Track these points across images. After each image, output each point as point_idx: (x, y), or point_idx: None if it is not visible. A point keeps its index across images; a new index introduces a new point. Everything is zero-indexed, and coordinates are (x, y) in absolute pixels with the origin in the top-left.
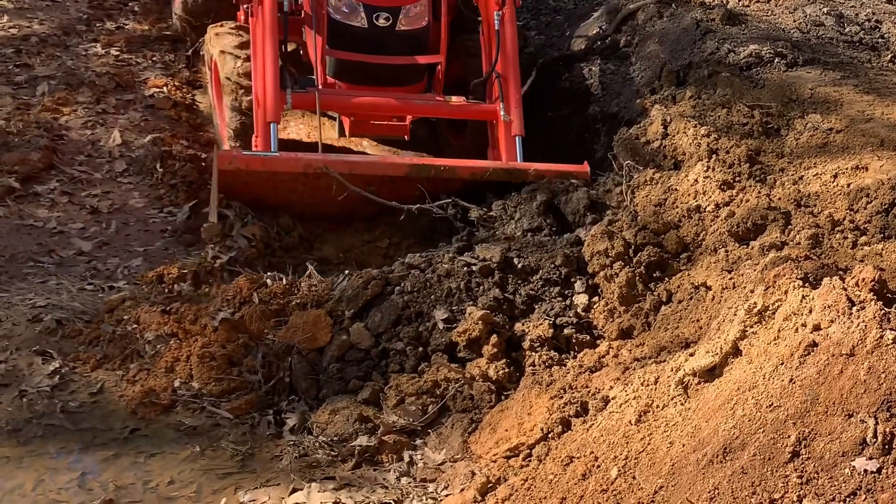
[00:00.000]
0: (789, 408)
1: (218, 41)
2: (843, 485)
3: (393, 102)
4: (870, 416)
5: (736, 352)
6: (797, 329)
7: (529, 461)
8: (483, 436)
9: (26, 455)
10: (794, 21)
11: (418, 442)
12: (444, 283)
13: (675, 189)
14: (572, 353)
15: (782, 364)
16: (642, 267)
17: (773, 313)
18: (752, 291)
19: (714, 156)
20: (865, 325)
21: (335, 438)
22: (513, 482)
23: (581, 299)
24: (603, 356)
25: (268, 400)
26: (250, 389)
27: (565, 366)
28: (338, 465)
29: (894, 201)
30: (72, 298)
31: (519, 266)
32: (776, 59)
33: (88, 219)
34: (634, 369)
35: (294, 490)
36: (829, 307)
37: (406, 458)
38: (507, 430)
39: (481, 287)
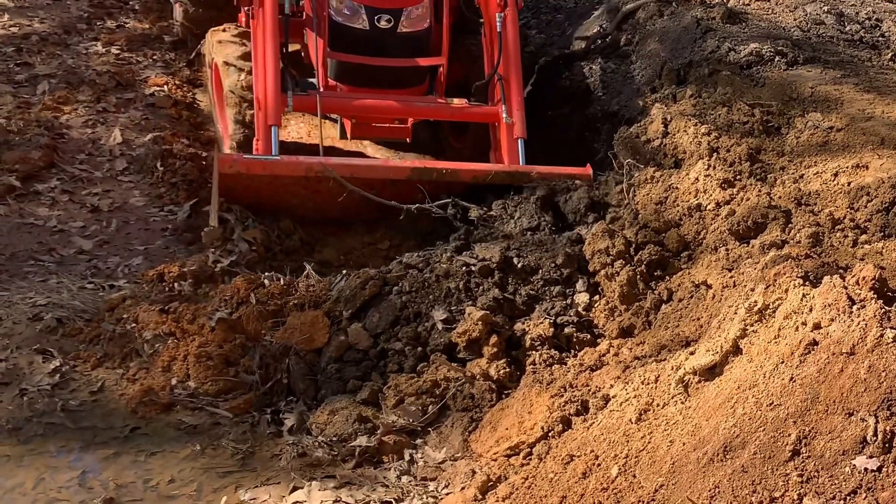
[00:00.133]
0: (790, 406)
1: (221, 50)
2: (844, 483)
3: (394, 105)
4: (870, 415)
5: (736, 350)
6: (797, 328)
7: (530, 460)
8: (483, 434)
9: (27, 454)
10: (795, 19)
11: (418, 441)
12: (442, 284)
13: (676, 187)
14: (573, 351)
15: (783, 363)
16: (643, 266)
17: (774, 312)
18: (752, 290)
19: (715, 154)
20: (866, 324)
21: (334, 439)
22: (513, 481)
23: (582, 298)
24: (603, 355)
25: (266, 400)
26: (247, 389)
27: (566, 364)
28: (338, 465)
29: (895, 200)
30: (72, 297)
31: (519, 266)
32: (777, 58)
33: (89, 217)
34: (635, 368)
35: (294, 488)
36: (829, 306)
37: (406, 457)
38: (507, 429)
39: (481, 287)
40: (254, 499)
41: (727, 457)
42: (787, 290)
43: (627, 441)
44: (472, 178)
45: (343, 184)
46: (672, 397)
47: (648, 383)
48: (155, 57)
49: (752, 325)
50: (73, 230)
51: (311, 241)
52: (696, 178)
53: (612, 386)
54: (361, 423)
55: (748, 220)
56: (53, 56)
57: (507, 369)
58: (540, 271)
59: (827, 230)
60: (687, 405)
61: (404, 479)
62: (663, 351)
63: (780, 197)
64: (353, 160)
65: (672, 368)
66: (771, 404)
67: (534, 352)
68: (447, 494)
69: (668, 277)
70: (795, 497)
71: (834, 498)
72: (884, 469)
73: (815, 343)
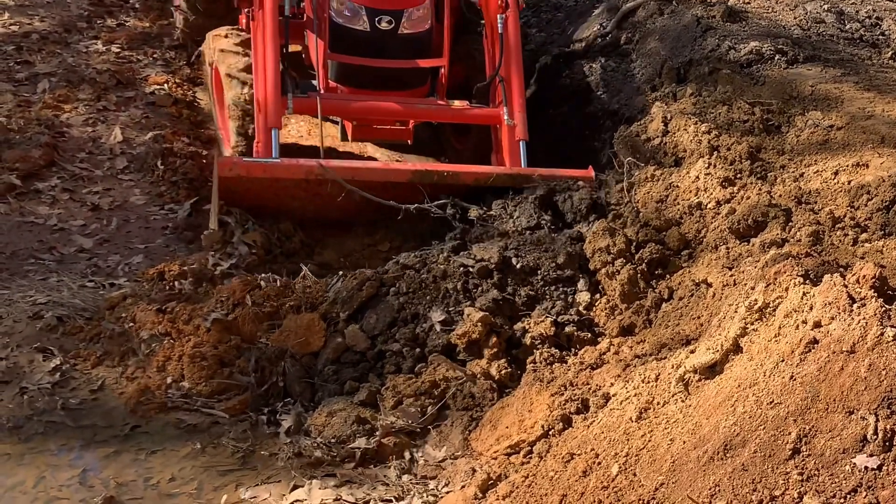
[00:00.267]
0: (790, 405)
1: (223, 59)
2: (844, 482)
3: (395, 107)
4: (870, 414)
5: (736, 349)
6: (798, 326)
7: (530, 458)
8: (484, 433)
9: (27, 452)
10: (795, 18)
11: (418, 442)
12: (440, 284)
13: (677, 186)
14: (573, 350)
15: (783, 361)
16: (644, 264)
17: (774, 310)
18: (752, 288)
19: (715, 153)
20: (866, 323)
21: (333, 440)
22: (513, 479)
23: (583, 297)
24: (604, 353)
25: (261, 401)
26: (242, 391)
27: (566, 363)
28: (337, 465)
29: (895, 198)
30: (73, 295)
31: (518, 266)
32: (777, 57)
33: (89, 216)
34: (635, 366)
35: (295, 487)
36: (829, 304)
37: (407, 457)
38: (507, 427)
39: (479, 288)
40: (254, 497)
41: (727, 455)
42: (787, 289)
43: (628, 439)
44: (473, 180)
45: (344, 185)
46: (672, 396)
47: (649, 382)
48: (155, 55)
49: (752, 324)
50: (74, 228)
51: (311, 243)
52: (697, 177)
53: (612, 384)
54: (360, 425)
55: (748, 219)
56: (54, 54)
57: (508, 369)
58: (540, 271)
59: (827, 229)
60: (687, 403)
61: (405, 477)
62: (664, 349)
63: (780, 195)
64: (353, 163)
65: (672, 367)
66: (771, 403)
67: (534, 351)
68: (447, 493)
69: (668, 276)
70: (796, 495)
71: (834, 496)
72: (884, 468)
73: (815, 341)
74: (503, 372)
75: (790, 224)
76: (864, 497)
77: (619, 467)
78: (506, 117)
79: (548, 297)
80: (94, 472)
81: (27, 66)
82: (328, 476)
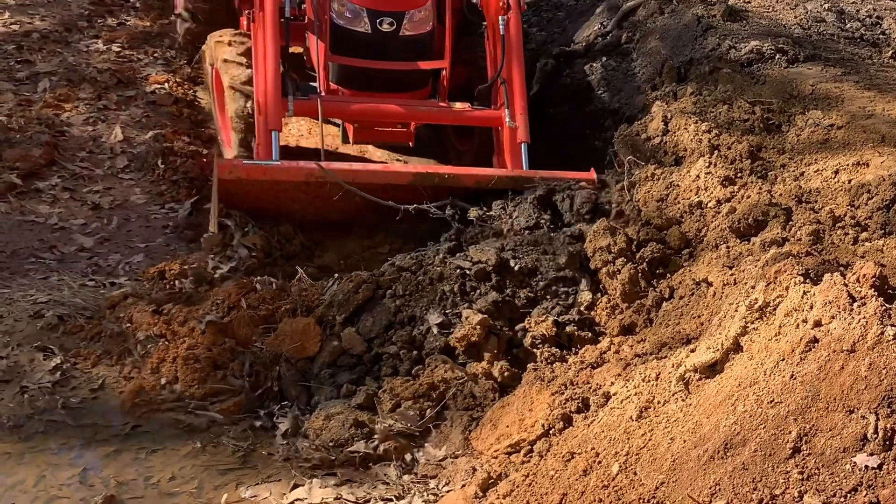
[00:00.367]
0: (790, 404)
1: (225, 69)
2: (844, 481)
3: (396, 109)
4: (871, 412)
5: (737, 348)
6: (798, 325)
7: (530, 457)
8: (484, 432)
9: (27, 451)
10: (796, 17)
11: (418, 443)
12: (436, 287)
13: (677, 185)
14: (574, 349)
15: (783, 360)
16: (645, 263)
17: (774, 309)
18: (753, 287)
19: (715, 152)
20: (866, 322)
21: (331, 444)
22: (514, 478)
23: (585, 297)
24: (604, 352)
25: (256, 404)
26: (235, 393)
27: (566, 362)
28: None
29: (895, 197)
30: (73, 294)
31: (517, 268)
32: (777, 56)
33: (90, 215)
34: (635, 365)
35: (295, 486)
36: (830, 303)
37: (407, 458)
38: (508, 426)
39: (477, 291)
40: (255, 496)
41: (728, 454)
42: (787, 288)
43: (628, 438)
44: (474, 182)
45: (343, 186)
46: (673, 395)
47: (649, 381)
48: (156, 55)
49: (752, 323)
50: (74, 228)
51: (311, 245)
52: (697, 176)
53: (612, 383)
54: (358, 429)
55: (749, 218)
56: (54, 54)
57: (510, 371)
58: (539, 271)
59: (827, 228)
60: (688, 402)
61: (405, 476)
62: (664, 348)
63: (780, 194)
64: (354, 165)
65: (673, 366)
66: (771, 402)
67: (535, 350)
68: (448, 492)
69: (669, 275)
70: (796, 494)
71: (834, 495)
72: (884, 466)
73: (815, 340)
74: (506, 374)
75: (790, 223)
76: (865, 496)
77: (620, 466)
78: (507, 119)
79: (548, 297)
80: (94, 470)
81: (28, 65)
82: (328, 475)
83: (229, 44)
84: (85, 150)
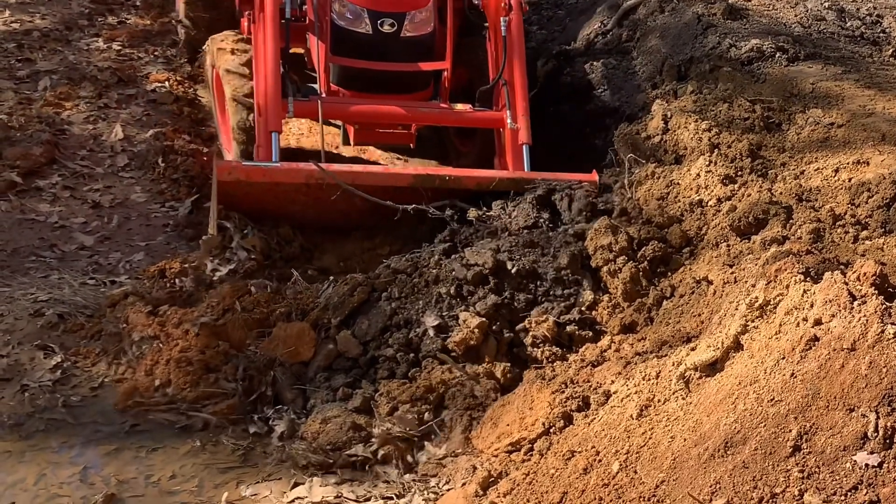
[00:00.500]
0: (790, 402)
1: (228, 81)
2: (845, 479)
3: (397, 110)
4: (871, 411)
5: (737, 346)
6: (798, 323)
7: (531, 455)
8: (485, 430)
9: (28, 449)
10: (796, 15)
11: (417, 446)
12: (432, 289)
13: (677, 183)
14: (575, 348)
15: (783, 358)
16: (646, 262)
17: (775, 308)
18: (753, 286)
19: (716, 150)
20: (867, 320)
21: (329, 447)
22: (514, 476)
23: (586, 296)
24: (605, 350)
25: (250, 408)
26: (228, 396)
27: (567, 360)
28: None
29: (895, 196)
30: (74, 293)
31: (514, 270)
32: (777, 54)
33: (90, 213)
34: (636, 364)
35: (296, 484)
36: (830, 301)
37: (408, 459)
38: (508, 425)
39: (476, 295)
40: (255, 494)
41: (728, 452)
42: (787, 286)
43: (628, 437)
44: (475, 184)
45: (342, 186)
46: (673, 393)
47: (649, 379)
48: (156, 53)
49: (752, 321)
50: (75, 226)
51: (310, 247)
52: (698, 174)
53: (613, 382)
54: (356, 432)
55: (749, 216)
56: (55, 52)
57: (511, 371)
58: (538, 271)
59: (828, 226)
60: (688, 401)
61: (406, 475)
62: (664, 347)
63: (781, 193)
64: (354, 167)
65: (673, 364)
66: (772, 400)
67: (536, 349)
68: (448, 490)
69: (670, 273)
70: (796, 493)
71: (835, 494)
72: (885, 465)
73: (815, 339)
74: (508, 375)
75: (791, 221)
76: (865, 494)
77: (620, 465)
78: (509, 121)
79: (548, 297)
80: (94, 469)
81: (28, 64)
82: (329, 473)
83: (232, 52)
84: (85, 148)
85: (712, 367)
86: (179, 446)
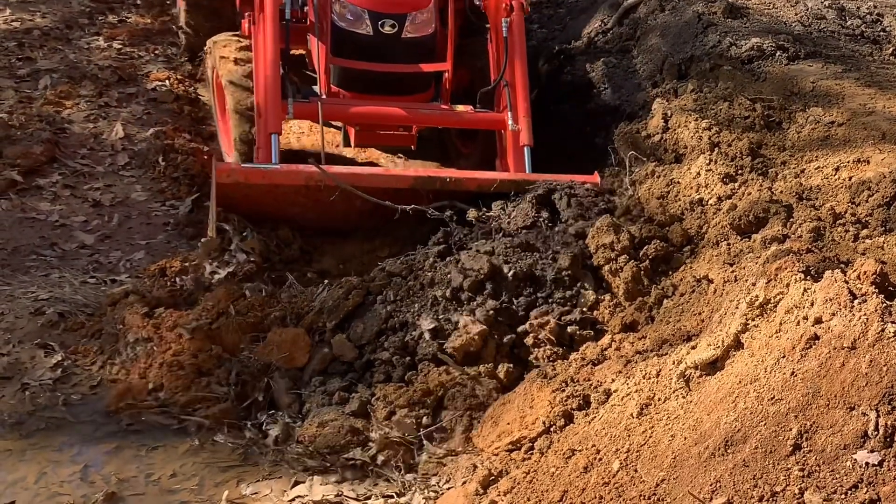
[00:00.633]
0: (791, 401)
1: (231, 93)
2: (845, 477)
3: (398, 112)
4: (871, 409)
5: (738, 345)
6: (799, 322)
7: (531, 454)
8: (485, 429)
9: (29, 448)
10: (796, 14)
11: (416, 449)
12: (427, 292)
13: (678, 182)
14: (575, 347)
15: (784, 357)
16: (648, 261)
17: (775, 306)
18: (753, 284)
19: (716, 149)
20: (867, 319)
21: (326, 451)
22: (515, 475)
23: (587, 295)
24: (605, 349)
25: (244, 413)
26: (220, 401)
27: (567, 359)
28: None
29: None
30: (74, 291)
31: (511, 273)
32: (778, 53)
33: (91, 212)
34: (636, 362)
35: (296, 483)
36: (830, 300)
37: (408, 460)
38: (509, 424)
39: (474, 301)
40: (255, 493)
41: (728, 451)
42: (788, 285)
43: (629, 435)
44: (476, 186)
45: (341, 186)
46: (673, 392)
47: (650, 378)
48: (157, 52)
49: (753, 320)
50: (75, 225)
51: (310, 250)
52: (698, 173)
53: (613, 380)
54: (354, 436)
55: (749, 215)
56: (55, 51)
57: (513, 372)
58: (536, 272)
59: (828, 225)
60: (688, 399)
61: (407, 475)
62: (665, 345)
63: (781, 191)
64: (354, 169)
65: (673, 363)
66: (772, 398)
67: (537, 349)
68: (449, 489)
69: (671, 272)
70: (796, 491)
71: (835, 492)
72: (885, 463)
73: (816, 337)
74: (510, 376)
75: (791, 220)
76: (865, 493)
77: (621, 463)
78: (510, 122)
79: (549, 298)
80: (95, 467)
81: (29, 63)
82: (329, 472)
83: (235, 62)
84: (86, 147)
85: (713, 366)
86: (179, 445)
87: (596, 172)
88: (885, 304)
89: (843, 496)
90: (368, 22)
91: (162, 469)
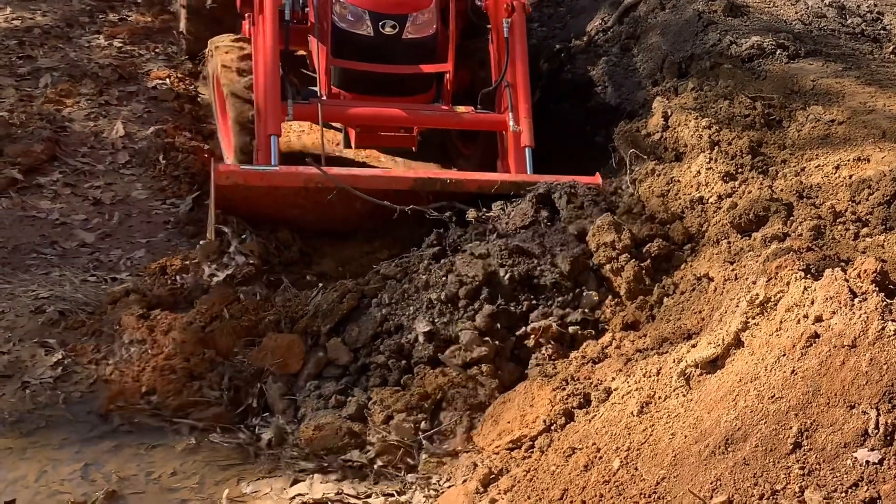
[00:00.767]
0: (791, 399)
1: (232, 104)
2: (845, 476)
3: (398, 113)
4: (871, 408)
5: (738, 343)
6: (799, 320)
7: (532, 452)
8: (485, 428)
9: (29, 446)
10: (796, 12)
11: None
12: (422, 295)
13: (678, 181)
14: (576, 344)
15: (784, 355)
16: (649, 260)
17: (775, 304)
18: (754, 283)
19: (716, 147)
20: (867, 317)
21: (323, 452)
22: (515, 473)
23: (591, 297)
24: (606, 347)
25: (237, 418)
26: (213, 404)
27: (568, 357)
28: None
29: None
30: (75, 290)
31: (507, 277)
32: (778, 51)
33: (91, 210)
34: (637, 360)
35: (296, 481)
36: (830, 298)
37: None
38: (509, 422)
39: (471, 308)
40: (256, 491)
41: (729, 449)
42: (788, 283)
43: (629, 434)
44: (477, 188)
45: (340, 186)
46: (674, 390)
47: (650, 376)
48: (157, 50)
49: (753, 318)
50: (76, 223)
51: (309, 252)
52: (698, 172)
53: (614, 379)
54: (352, 438)
55: (750, 213)
56: (56, 49)
57: (515, 372)
58: (535, 278)
59: (828, 223)
60: (689, 398)
61: (407, 475)
62: (665, 343)
63: (781, 190)
64: (354, 170)
65: (674, 361)
66: (772, 397)
67: (538, 349)
68: (449, 487)
69: (673, 271)
70: (797, 490)
71: (835, 491)
72: (885, 462)
73: (816, 336)
74: (511, 376)
75: (791, 218)
76: (866, 491)
77: (621, 461)
78: (511, 123)
79: (549, 301)
80: (95, 466)
81: (29, 61)
82: (330, 471)
83: (238, 73)
84: (86, 145)
85: (713, 364)
86: (179, 443)
87: (598, 174)
88: (885, 303)
89: (843, 494)
90: (369, 23)
91: (162, 467)
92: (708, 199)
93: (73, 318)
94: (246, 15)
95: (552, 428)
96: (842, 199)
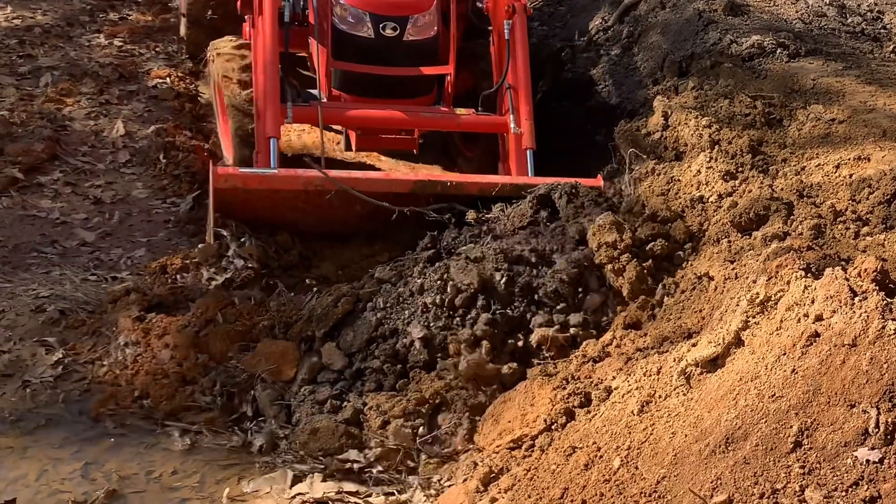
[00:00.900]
0: (791, 398)
1: (233, 115)
2: (846, 475)
3: (399, 116)
4: (872, 407)
5: (738, 342)
6: (799, 319)
7: (532, 452)
8: (486, 427)
9: (30, 445)
10: (797, 12)
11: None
12: (417, 299)
13: (678, 180)
14: (576, 344)
15: (784, 354)
16: (650, 259)
17: (776, 304)
18: (754, 282)
19: (716, 146)
20: (868, 316)
21: (321, 454)
22: (515, 472)
23: (594, 299)
24: (606, 346)
25: (231, 426)
26: (204, 409)
27: (568, 356)
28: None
29: None
30: (75, 289)
31: (503, 281)
32: (778, 50)
33: (92, 209)
34: (637, 360)
35: (297, 480)
36: (831, 297)
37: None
38: (510, 422)
39: (469, 316)
40: (256, 490)
41: (729, 448)
42: (788, 282)
43: (629, 433)
44: (478, 190)
45: (339, 186)
46: (674, 389)
47: (651, 375)
48: (157, 49)
49: (754, 317)
50: (76, 222)
51: (309, 255)
52: (699, 171)
53: (614, 378)
54: (349, 439)
55: (750, 212)
56: (56, 48)
57: (516, 372)
58: (534, 283)
59: (829, 222)
60: (689, 397)
61: (408, 476)
62: (665, 342)
63: (781, 189)
64: (354, 173)
65: (674, 360)
66: (773, 396)
67: (539, 349)
68: (450, 486)
69: (673, 270)
70: (797, 489)
71: (836, 490)
72: (885, 461)
73: (816, 335)
74: (513, 376)
75: (792, 217)
76: (866, 490)
77: (621, 460)
78: (512, 125)
79: (549, 304)
80: (96, 465)
81: (30, 60)
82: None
83: (240, 84)
84: (87, 144)
85: (713, 363)
86: (178, 442)
87: (599, 175)
88: (885, 302)
89: (843, 493)
90: (370, 25)
91: (163, 466)
92: (708, 198)
93: (74, 317)
94: (246, 17)
95: (553, 427)
96: (842, 198)
